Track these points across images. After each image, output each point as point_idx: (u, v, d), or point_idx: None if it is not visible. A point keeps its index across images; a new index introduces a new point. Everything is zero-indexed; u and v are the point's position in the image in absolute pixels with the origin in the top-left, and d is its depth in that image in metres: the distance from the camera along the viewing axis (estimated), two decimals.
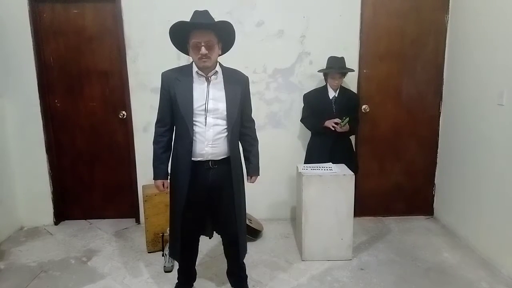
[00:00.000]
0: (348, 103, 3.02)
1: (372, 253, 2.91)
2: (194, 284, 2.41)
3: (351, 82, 3.34)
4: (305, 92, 3.16)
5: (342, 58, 2.99)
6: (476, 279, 2.54)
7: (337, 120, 2.87)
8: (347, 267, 2.71)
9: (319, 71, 3.10)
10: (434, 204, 3.62)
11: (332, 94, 3.00)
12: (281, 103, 3.41)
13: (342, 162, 2.93)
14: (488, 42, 2.79)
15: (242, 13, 3.24)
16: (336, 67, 2.94)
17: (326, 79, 3.04)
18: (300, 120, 3.21)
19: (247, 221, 2.91)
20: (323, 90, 3.05)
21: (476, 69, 2.94)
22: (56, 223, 3.51)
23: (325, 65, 3.03)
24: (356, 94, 3.26)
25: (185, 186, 2.03)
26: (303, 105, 3.16)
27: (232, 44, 2.11)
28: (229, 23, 1.98)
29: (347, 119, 2.85)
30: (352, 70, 3.05)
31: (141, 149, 3.36)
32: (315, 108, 3.05)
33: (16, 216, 3.41)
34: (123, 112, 3.39)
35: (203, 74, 2.03)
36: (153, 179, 2.16)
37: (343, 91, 3.05)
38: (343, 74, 3.00)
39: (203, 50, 1.93)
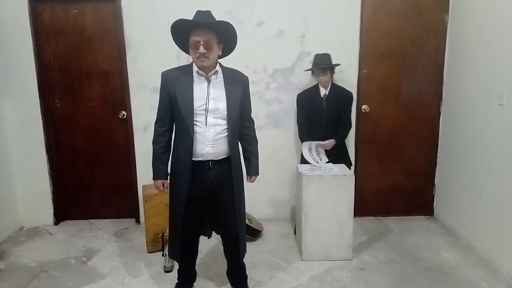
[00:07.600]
0: (338, 100, 2.99)
1: (372, 253, 2.91)
2: (194, 284, 2.41)
3: (351, 82, 3.34)
4: (299, 92, 3.16)
5: (327, 55, 2.95)
6: (476, 279, 2.54)
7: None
8: (347, 267, 2.71)
9: (305, 70, 3.17)
10: (434, 204, 3.62)
11: (323, 92, 2.99)
12: (281, 103, 3.41)
13: (336, 159, 2.96)
14: (488, 42, 2.79)
15: (242, 13, 3.24)
16: (320, 63, 2.91)
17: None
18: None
19: (247, 221, 2.91)
20: (315, 89, 3.04)
21: (476, 69, 2.94)
22: (56, 223, 3.51)
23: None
24: (348, 91, 3.06)
25: (185, 186, 2.03)
26: (296, 107, 3.15)
27: (234, 46, 2.11)
28: (229, 23, 1.97)
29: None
30: (337, 65, 2.97)
31: (141, 149, 3.36)
32: (306, 108, 3.05)
33: (16, 216, 3.41)
34: (123, 112, 3.39)
35: (203, 73, 2.03)
36: (153, 179, 2.16)
37: (335, 88, 3.02)
38: (328, 70, 2.91)
39: (201, 49, 1.93)
